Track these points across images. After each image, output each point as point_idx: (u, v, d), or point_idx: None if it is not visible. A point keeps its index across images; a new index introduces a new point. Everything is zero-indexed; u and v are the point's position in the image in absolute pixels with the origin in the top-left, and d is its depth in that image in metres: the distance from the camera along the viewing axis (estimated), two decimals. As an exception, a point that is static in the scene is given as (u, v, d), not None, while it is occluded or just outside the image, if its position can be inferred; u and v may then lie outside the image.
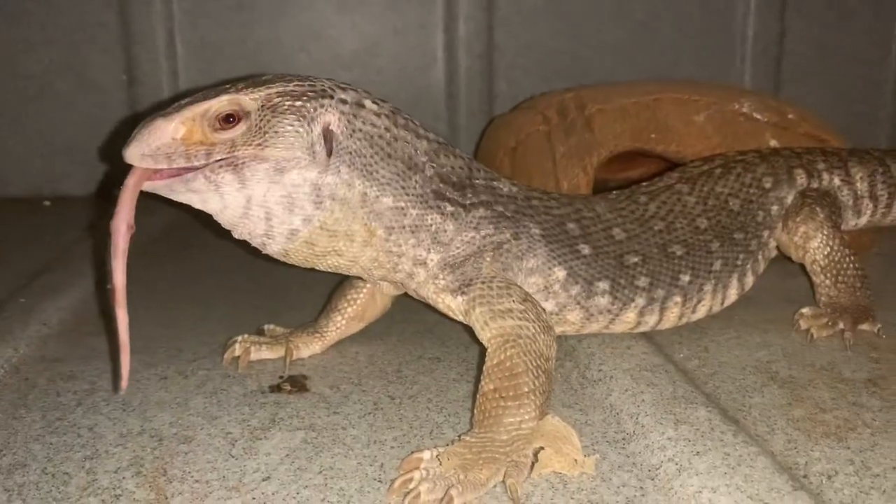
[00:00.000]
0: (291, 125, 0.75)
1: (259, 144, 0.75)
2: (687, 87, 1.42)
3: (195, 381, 0.94)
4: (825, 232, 1.05)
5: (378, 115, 0.80)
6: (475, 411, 0.76)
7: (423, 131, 0.85)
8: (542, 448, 0.72)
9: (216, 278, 1.37)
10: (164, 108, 0.77)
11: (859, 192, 1.15)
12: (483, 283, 0.84)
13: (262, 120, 0.75)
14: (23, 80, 1.95)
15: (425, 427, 0.82)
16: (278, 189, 0.76)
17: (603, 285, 0.92)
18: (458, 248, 0.85)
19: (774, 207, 1.07)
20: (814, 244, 1.05)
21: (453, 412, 0.86)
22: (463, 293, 0.84)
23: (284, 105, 0.76)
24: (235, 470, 0.74)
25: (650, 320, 0.96)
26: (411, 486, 0.68)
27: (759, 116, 1.37)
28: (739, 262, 1.01)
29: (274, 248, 0.81)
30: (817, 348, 0.99)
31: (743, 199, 1.04)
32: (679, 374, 0.90)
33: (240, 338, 1.00)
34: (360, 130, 0.79)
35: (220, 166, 0.75)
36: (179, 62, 1.97)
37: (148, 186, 0.75)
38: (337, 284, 1.06)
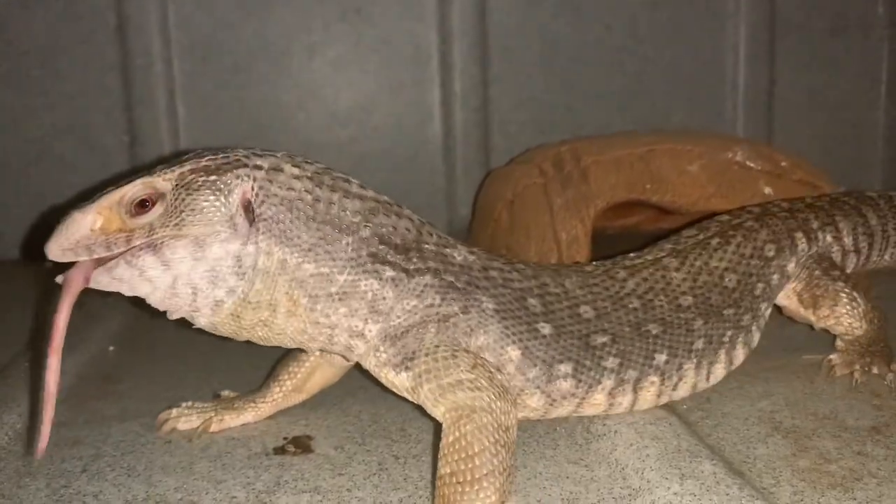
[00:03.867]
0: (207, 200, 0.76)
1: (177, 224, 0.75)
2: (681, 137, 1.45)
3: (199, 444, 0.94)
4: (851, 305, 1.05)
5: (298, 178, 0.78)
6: (434, 495, 0.74)
7: (357, 190, 0.82)
8: None
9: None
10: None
11: (846, 248, 1.14)
12: (426, 355, 0.80)
13: (177, 199, 0.75)
14: (25, 143, 1.98)
15: (430, 488, 0.82)
16: (202, 265, 0.76)
17: (565, 368, 0.85)
18: (398, 317, 0.81)
19: (775, 277, 1.04)
20: (845, 321, 1.05)
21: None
22: (406, 368, 0.81)
23: (198, 181, 0.76)
24: (241, 536, 0.74)
25: (623, 401, 0.90)
26: None
27: (752, 165, 1.39)
28: (727, 339, 0.96)
29: (202, 322, 0.80)
30: (819, 397, 1.00)
31: (742, 273, 0.99)
32: (683, 426, 0.90)
33: (184, 405, 1.00)
34: (276, 196, 0.77)
35: (140, 249, 0.75)
36: (180, 122, 2.00)
37: (59, 280, 0.76)
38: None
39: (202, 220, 0.75)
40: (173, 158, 0.81)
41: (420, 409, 1.00)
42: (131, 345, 1.35)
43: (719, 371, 0.97)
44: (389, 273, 0.81)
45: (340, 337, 0.82)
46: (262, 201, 0.77)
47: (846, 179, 1.59)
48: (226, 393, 1.06)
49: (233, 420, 0.99)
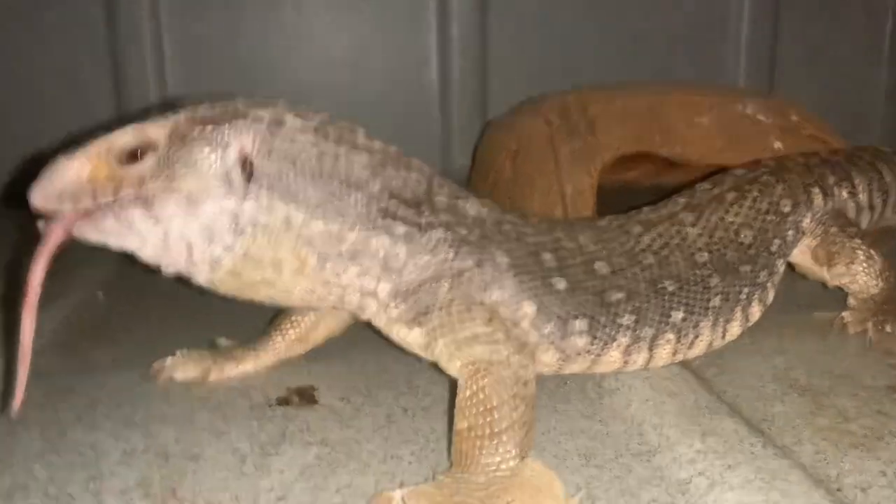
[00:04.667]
0: (201, 153, 0.71)
1: (168, 177, 0.70)
2: (689, 88, 1.42)
3: (199, 393, 0.91)
4: (868, 263, 1.02)
5: (302, 130, 0.74)
6: (451, 450, 0.71)
7: (364, 142, 0.77)
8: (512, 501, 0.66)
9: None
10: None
11: (861, 204, 1.11)
12: (440, 309, 0.77)
13: (170, 151, 0.71)
14: (4, 86, 1.90)
15: (441, 441, 0.80)
16: (195, 221, 0.72)
17: (580, 324, 0.83)
18: (410, 273, 0.78)
19: (791, 232, 1.01)
20: (861, 279, 1.03)
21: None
22: (419, 324, 0.78)
23: (194, 133, 0.71)
24: (248, 489, 0.71)
25: (638, 359, 0.87)
26: None
27: (762, 118, 1.36)
28: (744, 296, 0.93)
29: (201, 279, 0.75)
30: (833, 354, 0.98)
31: (758, 229, 0.96)
32: (698, 381, 0.88)
33: (179, 353, 0.96)
34: (279, 150, 0.72)
35: (129, 202, 0.70)
36: (167, 65, 1.93)
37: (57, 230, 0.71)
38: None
39: (196, 175, 0.71)
40: (166, 106, 0.76)
41: (429, 362, 0.98)
42: (121, 291, 1.31)
43: (735, 329, 0.94)
44: (401, 229, 0.77)
45: (352, 297, 0.78)
46: (266, 155, 0.73)
47: (846, 136, 1.56)
48: (222, 341, 1.03)
49: (232, 369, 0.96)
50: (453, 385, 0.90)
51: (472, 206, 0.83)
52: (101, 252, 1.34)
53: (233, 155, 0.72)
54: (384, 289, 0.78)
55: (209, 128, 0.71)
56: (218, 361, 0.96)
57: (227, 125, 0.72)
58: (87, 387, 0.93)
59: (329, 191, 0.74)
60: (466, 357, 0.74)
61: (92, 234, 0.72)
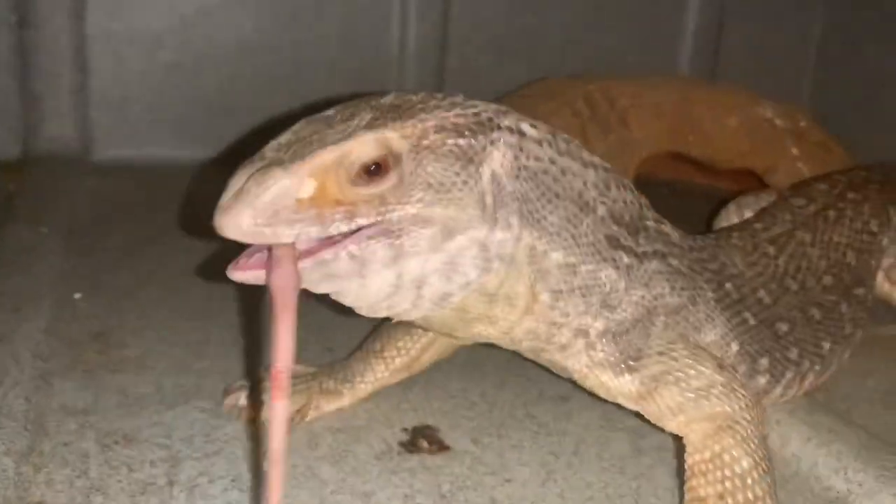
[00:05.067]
0: (458, 173, 0.57)
1: (420, 201, 0.56)
2: (708, 85, 1.39)
3: (300, 439, 0.76)
4: None
5: (540, 142, 0.62)
6: None
7: (588, 156, 0.66)
8: None
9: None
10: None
11: None
12: (661, 354, 0.67)
13: (418, 167, 0.56)
14: None
15: (625, 497, 0.71)
16: (440, 256, 0.57)
17: (764, 362, 0.77)
18: (625, 310, 0.67)
19: (878, 253, 1.00)
20: None
21: (640, 472, 0.75)
22: (631, 370, 0.67)
23: (447, 145, 0.57)
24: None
25: (790, 394, 0.82)
26: None
27: (779, 123, 1.36)
28: (862, 323, 0.91)
29: (413, 315, 0.61)
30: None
31: (858, 250, 0.94)
32: (827, 413, 0.85)
33: (248, 384, 0.81)
34: (527, 168, 0.61)
35: (370, 237, 0.55)
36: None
37: (246, 276, 0.54)
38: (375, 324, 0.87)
39: (452, 200, 0.56)
40: (364, 98, 0.60)
41: (522, 386, 0.88)
42: (96, 289, 1.08)
43: (847, 355, 0.91)
44: (626, 260, 0.66)
45: (564, 336, 0.66)
46: (515, 175, 0.59)
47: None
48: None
49: (328, 405, 0.81)
50: (581, 421, 0.82)
51: (671, 229, 0.73)
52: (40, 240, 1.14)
53: (487, 174, 0.58)
54: (598, 327, 0.66)
55: (463, 140, 0.57)
56: (311, 397, 0.80)
57: (482, 136, 0.58)
58: (152, 433, 0.75)
59: (565, 216, 0.62)
60: (698, 412, 0.65)
61: (315, 281, 0.55)
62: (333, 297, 0.58)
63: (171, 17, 1.68)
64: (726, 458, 0.62)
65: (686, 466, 0.64)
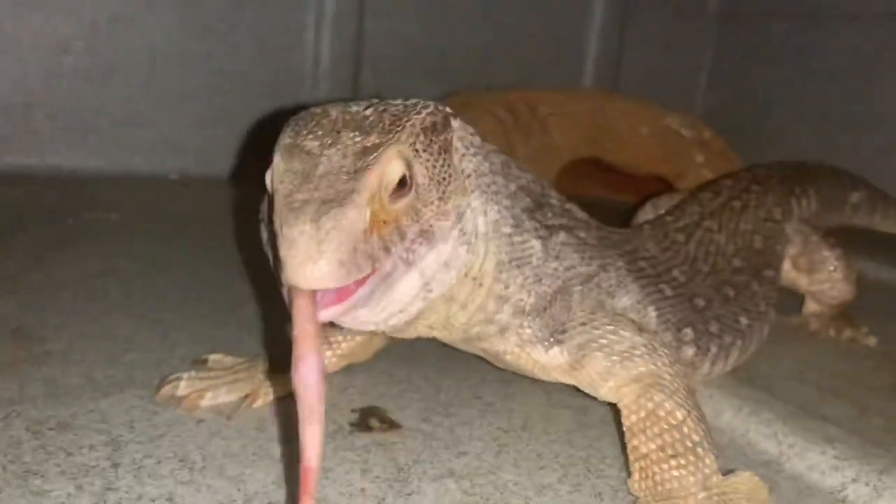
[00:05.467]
0: (448, 166, 0.60)
1: (439, 198, 0.59)
2: (620, 98, 1.45)
3: (247, 424, 0.74)
4: (849, 271, 1.10)
5: (468, 130, 0.65)
6: (637, 477, 0.65)
7: (487, 143, 0.69)
8: None
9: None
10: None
11: (816, 213, 1.21)
12: (583, 324, 0.70)
13: (425, 169, 0.58)
14: None
15: (577, 465, 0.72)
16: (448, 246, 0.60)
17: (688, 332, 0.80)
18: (542, 284, 0.69)
19: (782, 239, 1.06)
20: (841, 286, 1.10)
21: (587, 444, 0.76)
22: (558, 342, 0.69)
23: (435, 143, 0.60)
24: (425, 539, 0.59)
25: (717, 370, 0.85)
26: None
27: (685, 133, 1.44)
28: (773, 301, 0.97)
29: (408, 319, 0.61)
30: (825, 357, 1.06)
31: (765, 236, 1.01)
32: (758, 389, 0.90)
33: (185, 375, 0.79)
34: (472, 145, 0.64)
35: (413, 241, 0.56)
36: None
37: (333, 316, 0.53)
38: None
39: (452, 190, 0.60)
40: (310, 114, 0.60)
41: (465, 370, 0.89)
42: (9, 290, 1.02)
43: (766, 333, 0.96)
44: (542, 232, 0.69)
45: (504, 315, 0.67)
46: (471, 156, 0.63)
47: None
48: (215, 357, 0.85)
49: (277, 391, 0.79)
50: (525, 398, 0.84)
51: (575, 208, 0.77)
52: None
53: (455, 158, 0.62)
54: (530, 303, 0.68)
55: (441, 136, 0.60)
56: (256, 385, 0.78)
57: (448, 128, 0.61)
58: (87, 420, 0.71)
59: (498, 189, 0.65)
60: (627, 374, 0.67)
61: (377, 302, 0.56)
62: (353, 324, 0.58)
63: (80, 22, 1.63)
64: (660, 412, 0.65)
65: (625, 429, 0.67)
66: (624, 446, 0.68)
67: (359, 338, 0.82)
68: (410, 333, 0.67)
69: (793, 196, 1.13)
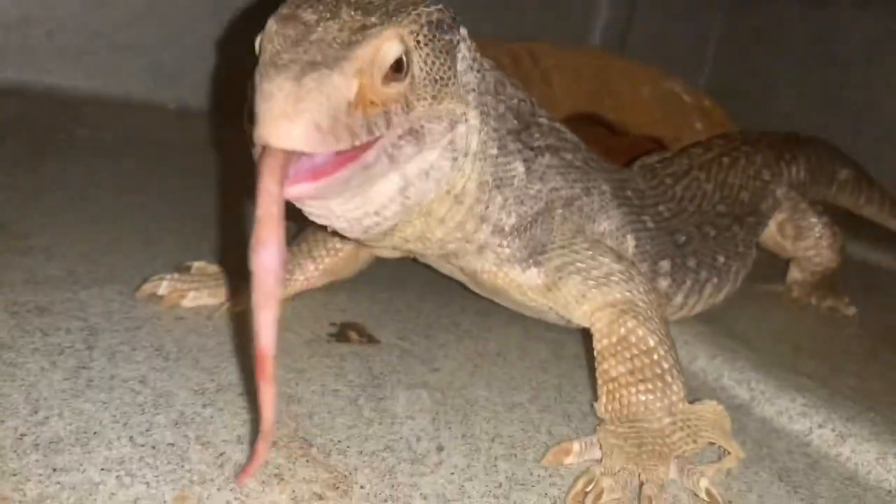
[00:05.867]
0: (450, 67, 0.58)
1: (434, 96, 0.56)
2: (623, 57, 1.45)
3: (222, 325, 0.74)
4: (834, 239, 1.10)
5: (468, 39, 0.64)
6: (604, 400, 0.65)
7: (486, 61, 0.68)
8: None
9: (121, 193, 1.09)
10: None
11: (804, 181, 1.22)
12: (562, 247, 0.70)
13: (424, 62, 0.56)
14: None
15: (549, 390, 0.73)
16: (433, 153, 0.58)
17: (665, 265, 0.82)
18: (524, 204, 0.69)
19: (770, 200, 1.07)
20: (826, 254, 1.11)
21: (560, 373, 0.77)
22: (537, 263, 0.69)
23: (439, 39, 0.57)
24: (393, 440, 0.59)
25: (691, 303, 0.87)
26: (591, 485, 0.57)
27: (686, 98, 1.44)
28: (752, 246, 1.00)
29: (384, 227, 0.60)
30: (802, 322, 1.07)
31: (751, 191, 1.03)
32: (732, 339, 0.91)
33: (167, 276, 0.78)
34: (472, 65, 0.63)
35: (401, 137, 0.54)
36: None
37: (305, 193, 0.50)
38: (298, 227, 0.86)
39: (449, 93, 0.57)
40: None
41: (445, 299, 0.89)
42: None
43: (741, 277, 0.97)
44: (526, 153, 0.68)
45: (483, 234, 0.67)
46: (473, 69, 0.62)
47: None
48: (199, 264, 0.85)
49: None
50: (501, 328, 0.84)
51: (565, 129, 0.76)
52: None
53: (459, 68, 0.60)
54: (510, 223, 0.68)
55: (447, 35, 0.58)
56: (236, 289, 0.78)
57: (455, 31, 0.59)
58: (75, 312, 0.71)
59: (487, 111, 0.64)
60: (601, 299, 0.67)
61: (349, 189, 0.53)
62: (323, 215, 0.57)
63: (84, -61, 1.60)
64: (632, 338, 0.65)
65: (596, 353, 0.67)
66: (595, 378, 0.69)
67: (342, 253, 0.82)
68: (386, 244, 0.66)
69: (782, 161, 1.14)
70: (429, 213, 0.62)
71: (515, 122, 0.68)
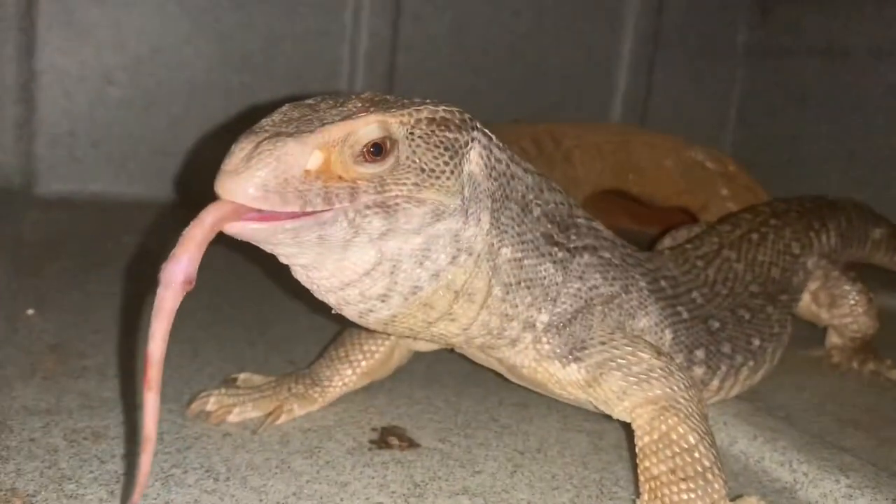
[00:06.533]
0: (447, 163, 0.61)
1: (417, 184, 0.59)
2: (643, 131, 1.48)
3: (273, 439, 0.77)
4: (869, 306, 1.10)
5: (500, 147, 0.68)
6: (646, 498, 0.66)
7: (525, 163, 0.73)
8: None
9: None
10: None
11: (836, 249, 1.21)
12: (602, 343, 0.72)
13: (415, 153, 0.59)
14: None
15: (590, 487, 0.74)
16: (418, 240, 0.61)
17: (700, 353, 0.83)
18: (564, 303, 0.72)
19: (801, 273, 1.08)
20: (862, 321, 1.10)
21: (601, 467, 0.78)
22: (577, 360, 0.72)
23: (437, 136, 0.61)
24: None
25: (726, 387, 0.89)
26: None
27: (710, 166, 1.45)
28: (788, 324, 1.00)
29: (381, 314, 0.63)
30: (843, 389, 1.06)
31: (782, 268, 1.03)
32: (773, 416, 0.91)
33: (214, 392, 0.82)
34: (494, 169, 0.66)
35: (368, 207, 0.57)
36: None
37: (246, 231, 0.55)
38: (337, 331, 0.91)
39: (442, 186, 0.60)
40: (335, 94, 0.64)
41: (481, 392, 0.91)
42: (49, 306, 1.07)
43: (778, 356, 0.98)
44: (560, 254, 0.72)
45: (514, 330, 0.70)
46: (488, 174, 0.65)
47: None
48: (244, 376, 0.88)
49: (300, 409, 0.82)
50: (540, 421, 0.86)
51: (602, 227, 0.80)
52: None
53: (467, 169, 0.63)
54: (543, 320, 0.71)
55: (451, 134, 0.61)
56: (283, 401, 0.81)
57: (466, 133, 0.63)
58: (119, 431, 0.74)
59: (512, 215, 0.68)
60: (642, 395, 0.69)
61: (303, 242, 0.56)
62: (301, 270, 0.61)
63: (123, 54, 1.70)
64: (673, 435, 0.66)
65: (637, 450, 0.68)
66: (637, 471, 0.69)
67: (378, 355, 0.85)
68: (403, 334, 0.69)
69: (812, 230, 1.14)
70: (429, 306, 0.64)
71: (550, 225, 0.71)
